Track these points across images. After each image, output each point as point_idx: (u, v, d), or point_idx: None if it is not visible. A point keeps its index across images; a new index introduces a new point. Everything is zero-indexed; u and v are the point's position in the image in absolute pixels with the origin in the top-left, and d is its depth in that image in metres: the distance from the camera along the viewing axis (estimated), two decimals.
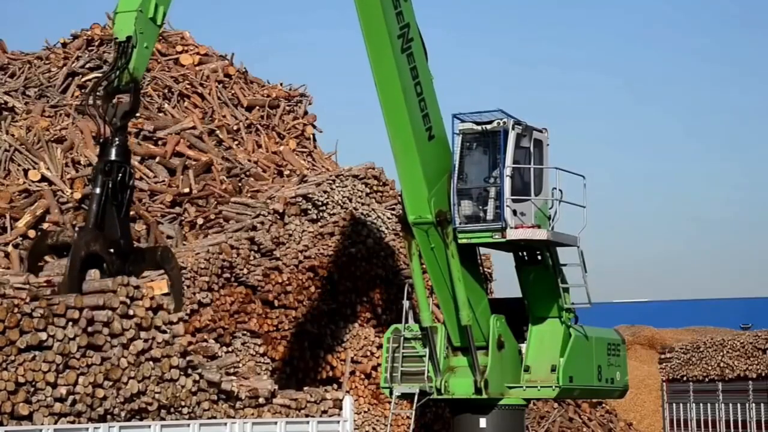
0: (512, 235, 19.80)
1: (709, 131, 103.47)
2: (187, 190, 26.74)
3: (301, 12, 71.70)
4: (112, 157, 16.72)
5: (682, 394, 40.05)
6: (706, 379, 39.29)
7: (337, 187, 26.69)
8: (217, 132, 30.21)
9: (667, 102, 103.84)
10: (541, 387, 20.35)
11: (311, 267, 24.57)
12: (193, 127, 29.27)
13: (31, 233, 23.32)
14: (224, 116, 31.31)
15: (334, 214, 26.21)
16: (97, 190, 16.81)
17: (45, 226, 23.68)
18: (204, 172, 27.71)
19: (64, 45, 32.82)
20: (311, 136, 33.13)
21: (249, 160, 29.22)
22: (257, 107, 32.44)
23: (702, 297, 67.72)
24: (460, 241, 19.87)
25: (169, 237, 25.66)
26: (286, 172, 29.63)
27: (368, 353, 24.34)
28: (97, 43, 32.81)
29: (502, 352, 20.26)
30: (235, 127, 31.18)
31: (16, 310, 18.23)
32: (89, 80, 30.39)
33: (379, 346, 23.81)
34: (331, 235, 25.56)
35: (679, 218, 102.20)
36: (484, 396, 19.83)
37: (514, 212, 19.74)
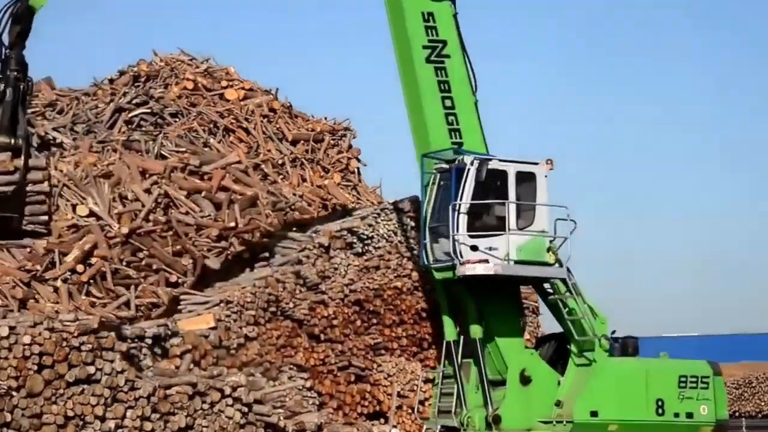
0: (460, 271, 19.90)
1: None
2: (232, 224, 26.83)
3: (343, 44, 72.17)
4: (14, 66, 18.70)
5: (734, 430, 39.54)
6: (759, 415, 38.80)
7: (382, 220, 26.66)
8: (263, 166, 30.33)
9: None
10: (556, 422, 20.12)
11: (357, 300, 24.57)
12: (239, 162, 29.40)
13: (80, 268, 23.50)
14: (269, 150, 31.45)
15: (379, 247, 26.17)
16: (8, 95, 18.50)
17: (93, 260, 23.84)
18: (249, 206, 27.79)
19: (111, 81, 33.16)
20: (356, 169, 33.20)
21: (294, 194, 29.29)
22: (302, 141, 32.56)
23: (754, 332, 66.98)
24: (437, 278, 20.01)
25: (215, 271, 25.74)
26: (331, 206, 29.68)
27: (414, 387, 24.24)
28: (143, 79, 33.12)
29: (527, 387, 20.06)
30: (280, 161, 31.30)
31: (64, 343, 18.37)
32: (136, 116, 30.70)
33: (426, 381, 23.79)
34: (377, 268, 25.54)
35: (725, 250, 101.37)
36: (494, 431, 19.72)
37: (474, 248, 19.65)
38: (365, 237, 26.31)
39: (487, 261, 19.57)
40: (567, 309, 20.45)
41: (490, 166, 19.77)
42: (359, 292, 24.70)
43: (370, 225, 26.52)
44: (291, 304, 23.63)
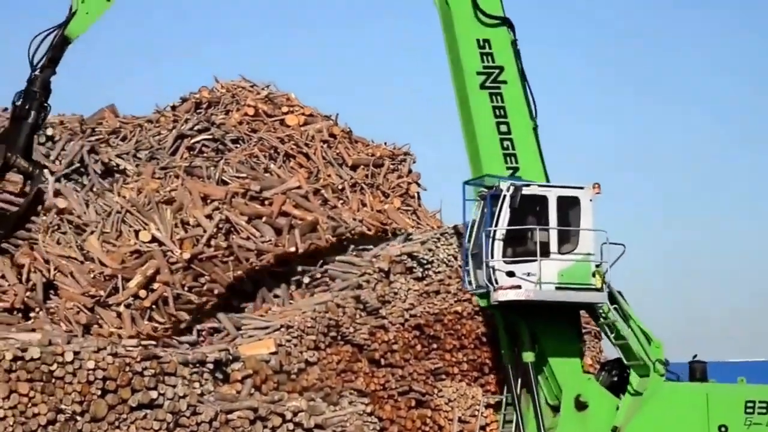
0: (494, 297, 19.80)
1: None
2: (293, 249, 26.96)
3: (402, 69, 72.36)
4: (38, 88, 19.56)
5: None
6: None
7: (442, 244, 26.64)
8: (323, 191, 30.44)
9: None
10: None
11: (417, 325, 24.54)
12: (299, 187, 29.54)
13: (143, 293, 23.71)
14: (329, 175, 31.56)
15: (439, 271, 26.14)
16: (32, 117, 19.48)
17: (155, 286, 24.05)
18: (310, 231, 27.90)
19: (174, 108, 33.50)
20: (416, 194, 33.20)
21: (354, 219, 29.36)
22: (362, 166, 32.65)
23: None
24: (480, 304, 19.96)
25: (275, 296, 25.87)
26: (391, 231, 29.70)
27: (476, 412, 24.13)
28: (205, 106, 33.43)
29: (583, 413, 19.86)
30: (340, 187, 31.40)
31: (127, 368, 18.53)
32: (197, 142, 30.98)
33: (487, 406, 23.68)
34: (437, 293, 25.50)
35: None
36: None
37: (511, 273, 19.47)
38: (425, 261, 26.29)
39: (519, 287, 19.42)
40: (614, 333, 20.24)
41: (526, 192, 19.71)
42: (419, 316, 24.67)
43: (430, 249, 26.51)
44: (351, 329, 23.66)
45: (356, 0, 75.18)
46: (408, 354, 24.16)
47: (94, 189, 27.03)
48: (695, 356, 21.44)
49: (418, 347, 24.46)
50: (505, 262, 19.51)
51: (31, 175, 19.69)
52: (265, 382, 21.52)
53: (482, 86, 20.26)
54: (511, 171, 20.31)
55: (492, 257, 19.56)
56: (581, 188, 20.20)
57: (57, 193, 26.03)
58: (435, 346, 24.86)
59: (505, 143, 20.22)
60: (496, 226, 19.64)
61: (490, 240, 19.66)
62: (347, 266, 26.32)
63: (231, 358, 21.38)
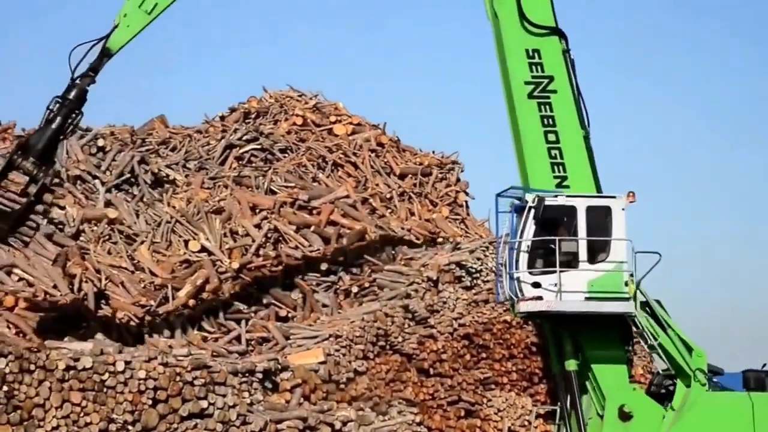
0: (517, 308, 19.81)
1: None
2: (341, 258, 26.99)
3: (451, 77, 72.34)
4: (73, 96, 20.12)
5: None
6: None
7: (490, 253, 26.57)
8: (371, 200, 30.47)
9: None
10: None
11: (466, 334, 24.47)
12: (347, 196, 29.60)
13: (192, 303, 23.84)
14: (377, 185, 31.58)
15: (488, 280, 26.06)
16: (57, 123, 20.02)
17: (205, 295, 24.18)
18: (358, 240, 27.93)
19: (222, 118, 33.70)
20: (464, 203, 33.14)
21: (402, 228, 29.36)
22: (410, 175, 32.64)
23: None
24: (514, 314, 19.97)
25: (324, 305, 25.90)
26: (440, 240, 29.66)
27: (525, 423, 24.00)
28: (253, 116, 33.60)
29: (627, 424, 19.66)
30: (388, 196, 31.41)
31: (178, 378, 18.63)
32: (246, 152, 31.13)
33: (537, 416, 23.54)
34: (486, 302, 25.43)
35: None
36: None
37: (536, 285, 19.33)
38: (474, 270, 26.23)
39: (541, 298, 19.33)
40: (647, 343, 20.03)
41: (552, 203, 19.60)
42: (468, 326, 24.60)
43: (478, 258, 26.45)
44: (400, 339, 23.64)
45: (407, 8, 75.09)
46: (457, 363, 24.10)
47: (144, 199, 27.23)
48: (764, 365, 21.04)
49: (467, 357, 24.39)
50: (531, 273, 19.43)
51: (35, 177, 19.93)
52: (314, 392, 21.55)
53: (530, 96, 20.22)
54: (558, 180, 20.20)
55: (517, 269, 19.51)
56: (613, 197, 20.08)
57: (108, 204, 26.26)
58: (484, 355, 24.79)
59: (553, 152, 20.13)
60: (520, 237, 19.61)
61: (515, 252, 19.63)
62: (396, 275, 26.31)
63: (280, 367, 21.43)
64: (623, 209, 19.86)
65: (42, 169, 19.94)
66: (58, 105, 20.15)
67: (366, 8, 75.96)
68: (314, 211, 28.66)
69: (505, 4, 20.51)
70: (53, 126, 20.15)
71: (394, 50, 74.49)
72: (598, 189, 20.55)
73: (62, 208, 25.34)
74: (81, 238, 24.78)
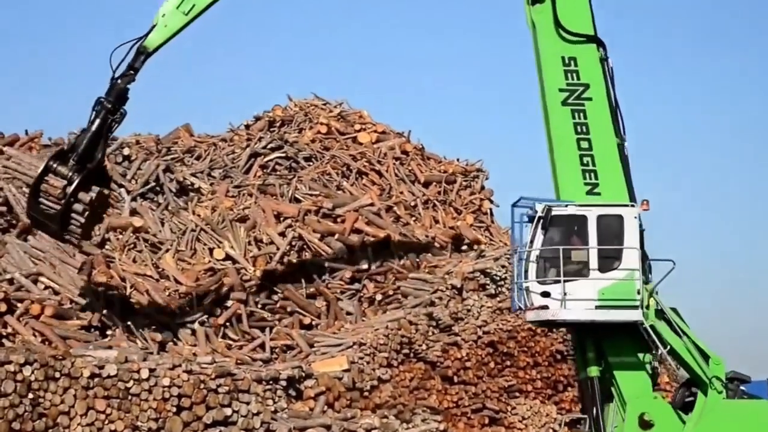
0: (525, 317, 20.26)
1: None
2: (365, 266, 27.02)
3: (474, 88, 72.29)
4: (112, 97, 20.75)
5: None
6: None
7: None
8: (395, 208, 30.49)
9: None
10: None
11: (490, 342, 24.44)
12: (371, 204, 29.62)
13: (216, 310, 23.91)
14: (401, 192, 31.60)
15: (512, 288, 26.01)
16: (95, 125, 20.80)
17: (229, 303, 24.25)
18: (382, 248, 27.95)
19: (247, 127, 33.82)
20: (488, 210, 33.10)
21: (426, 236, 29.35)
22: (434, 183, 32.63)
23: None
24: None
25: (348, 313, 25.93)
26: (464, 247, 29.64)
27: (550, 430, 23.94)
28: (278, 124, 33.70)
29: None
30: (412, 203, 31.42)
31: (202, 386, 18.69)
32: (271, 161, 31.22)
33: (561, 424, 23.46)
34: (510, 310, 25.35)
35: None
36: None
37: (546, 294, 19.39)
38: (498, 278, 26.19)
39: (546, 307, 19.39)
40: (659, 351, 19.99)
41: (561, 212, 19.72)
42: (493, 333, 24.57)
43: (503, 266, 26.41)
44: (424, 346, 23.63)
45: (435, 18, 75.04)
46: (481, 371, 24.07)
47: (169, 207, 27.35)
48: None
49: (492, 364, 24.35)
50: (540, 282, 19.51)
51: (71, 180, 20.61)
52: (338, 400, 21.57)
53: (564, 103, 20.25)
54: (589, 187, 20.20)
55: (526, 278, 19.61)
56: (626, 206, 20.12)
57: (133, 212, 26.39)
58: (508, 363, 24.74)
59: (585, 159, 20.13)
60: (530, 247, 19.71)
61: (524, 261, 19.74)
62: (420, 283, 26.30)
63: (304, 375, 21.46)
64: (635, 217, 19.85)
65: (78, 170, 20.64)
66: (99, 106, 20.85)
67: (392, 17, 76.06)
68: (338, 219, 28.70)
69: (543, 13, 20.58)
70: (93, 127, 20.83)
71: (421, 58, 74.52)
72: (632, 198, 20.52)
73: None
74: (106, 247, 24.91)
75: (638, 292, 19.57)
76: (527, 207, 20.37)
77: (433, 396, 23.07)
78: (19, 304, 21.69)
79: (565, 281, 19.42)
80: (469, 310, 25.10)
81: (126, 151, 28.60)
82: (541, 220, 19.68)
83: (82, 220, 21.05)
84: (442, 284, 25.77)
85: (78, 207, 20.88)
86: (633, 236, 19.81)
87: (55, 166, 20.70)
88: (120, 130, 29.67)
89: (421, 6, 73.78)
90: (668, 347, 19.66)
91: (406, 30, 75.90)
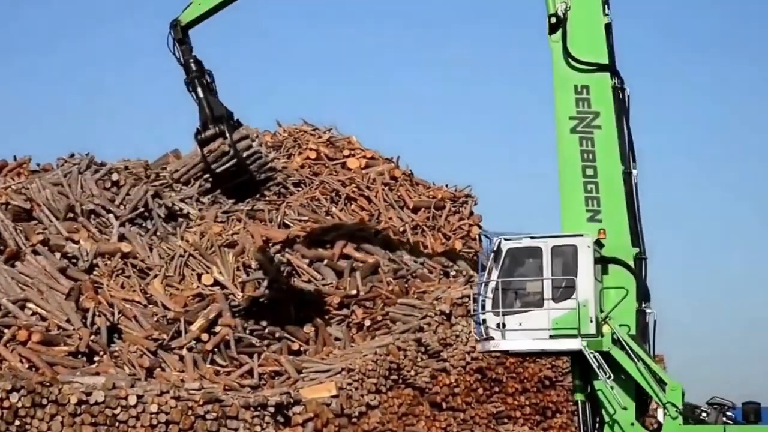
0: (477, 348, 20.74)
1: None
2: (354, 292, 27.01)
3: (460, 114, 72.46)
4: (193, 69, 23.14)
5: None
6: None
7: None
8: (384, 234, 30.50)
9: None
10: None
11: (479, 368, 24.40)
12: (360, 230, 29.63)
13: (205, 336, 23.85)
14: (390, 218, 31.63)
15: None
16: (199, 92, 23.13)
17: (217, 329, 24.19)
18: (371, 273, 27.95)
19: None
20: (477, 236, 33.14)
21: (415, 261, 29.36)
22: (423, 208, 32.69)
23: None
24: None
25: (337, 339, 25.88)
26: (452, 273, 29.64)
27: None
28: (267, 150, 33.71)
29: None
30: (401, 229, 31.44)
31: (190, 412, 18.62)
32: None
33: None
34: None
35: None
36: None
37: (502, 325, 19.73)
38: None
39: (492, 338, 19.87)
40: (600, 380, 20.19)
41: (517, 245, 20.18)
42: (481, 359, 24.53)
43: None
44: (412, 372, 23.59)
45: (424, 47, 75.28)
46: (470, 397, 24.02)
47: (158, 233, 27.33)
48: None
49: (480, 390, 24.31)
50: (495, 314, 19.90)
51: (222, 133, 22.81)
52: (326, 426, 21.51)
53: (573, 130, 20.58)
54: (590, 214, 20.49)
55: (483, 309, 20.01)
56: (580, 236, 20.46)
57: (121, 238, 26.36)
58: (497, 389, 24.70)
59: (589, 186, 20.48)
60: (486, 278, 20.14)
61: (481, 292, 20.18)
62: (408, 309, 26.28)
63: (292, 401, 21.41)
64: (588, 247, 20.18)
65: (220, 125, 22.86)
66: (190, 85, 23.06)
67: (384, 45, 76.32)
68: (327, 245, 28.70)
69: (558, 42, 20.89)
70: (201, 94, 23.00)
71: (410, 84, 74.69)
72: (634, 227, 20.70)
73: (76, 242, 25.47)
74: (94, 272, 24.88)
75: (591, 320, 19.84)
76: (489, 240, 20.77)
77: (422, 422, 23.01)
78: (6, 330, 21.64)
79: (520, 312, 19.84)
80: (457, 336, 25.08)
81: (115, 177, 28.60)
82: (498, 254, 20.09)
83: (260, 157, 23.35)
84: (430, 310, 25.76)
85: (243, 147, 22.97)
86: (587, 266, 20.10)
87: (204, 137, 22.87)
88: (108, 156, 29.94)
89: (418, 35, 74.04)
90: (605, 377, 19.93)
91: (397, 55, 76.13)
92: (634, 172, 20.83)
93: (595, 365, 19.72)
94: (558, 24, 20.78)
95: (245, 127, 23.93)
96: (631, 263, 20.61)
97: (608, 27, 21.08)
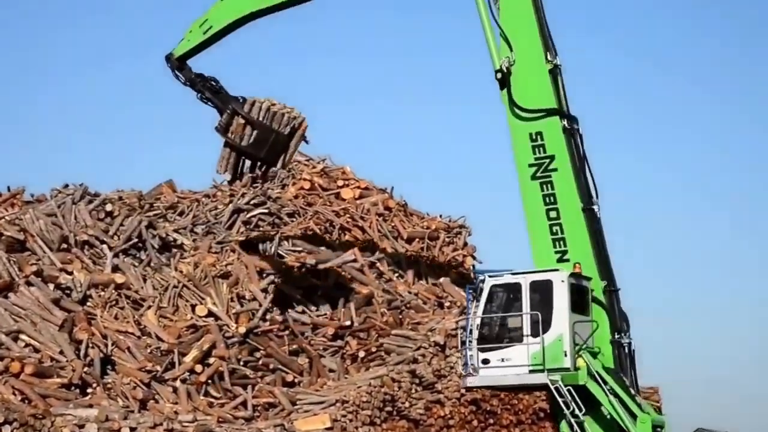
0: (460, 384, 21.59)
1: None
2: (348, 323, 26.95)
3: (457, 144, 72.55)
4: (198, 83, 25.12)
5: None
6: None
7: None
8: (378, 264, 30.47)
9: None
10: None
11: (473, 400, 24.28)
12: (354, 260, 29.61)
13: (199, 368, 23.77)
14: (384, 248, 31.60)
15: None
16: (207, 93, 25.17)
17: (211, 360, 24.12)
18: (365, 304, 27.91)
19: (230, 183, 33.76)
20: (471, 267, 33.10)
21: (409, 292, 29.33)
22: (417, 239, 32.66)
23: None
24: None
25: (331, 370, 25.81)
26: (447, 304, 29.61)
27: None
28: (260, 180, 33.67)
29: None
30: (395, 260, 31.40)
31: None
32: (254, 216, 31.21)
33: None
34: None
35: None
36: None
37: (485, 361, 20.22)
38: None
39: (471, 374, 20.27)
40: (581, 410, 20.42)
41: (500, 282, 20.56)
42: (476, 391, 24.42)
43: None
44: (407, 404, 23.48)
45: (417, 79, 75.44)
46: (464, 429, 23.88)
47: (152, 264, 27.28)
48: None
49: (475, 422, 24.17)
50: (480, 350, 20.27)
51: (234, 111, 24.42)
52: None
53: (533, 177, 21.23)
54: (559, 255, 21.03)
55: (469, 345, 20.37)
56: (555, 270, 20.77)
57: (115, 269, 26.31)
58: (491, 421, 24.56)
59: (554, 228, 21.24)
60: (470, 316, 20.49)
61: (466, 329, 20.58)
62: (403, 340, 26.21)
63: None
64: (563, 281, 20.48)
65: (230, 107, 24.54)
66: (201, 95, 25.04)
67: (377, 73, 76.49)
68: (321, 275, 28.65)
69: (507, 96, 21.50)
70: (207, 95, 24.88)
71: (406, 113, 74.84)
72: (601, 260, 21.00)
73: (70, 273, 25.40)
74: (88, 303, 24.81)
75: (566, 354, 20.09)
76: (475, 277, 21.21)
77: None
78: None
79: (501, 348, 20.13)
80: (452, 368, 24.96)
81: (108, 207, 28.57)
82: (482, 290, 20.42)
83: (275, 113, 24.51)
84: (425, 341, 25.68)
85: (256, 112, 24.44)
86: (561, 300, 20.37)
87: (221, 124, 24.60)
88: (103, 186, 29.97)
89: (409, 71, 74.26)
90: (568, 410, 20.15)
91: (389, 86, 76.37)
92: (595, 207, 21.28)
93: (560, 400, 20.00)
94: (504, 79, 21.42)
95: (254, 98, 24.91)
96: (601, 296, 20.96)
97: (555, 71, 21.56)
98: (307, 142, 25.58)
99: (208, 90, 24.88)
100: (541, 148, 21.17)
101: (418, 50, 73.42)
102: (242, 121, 24.41)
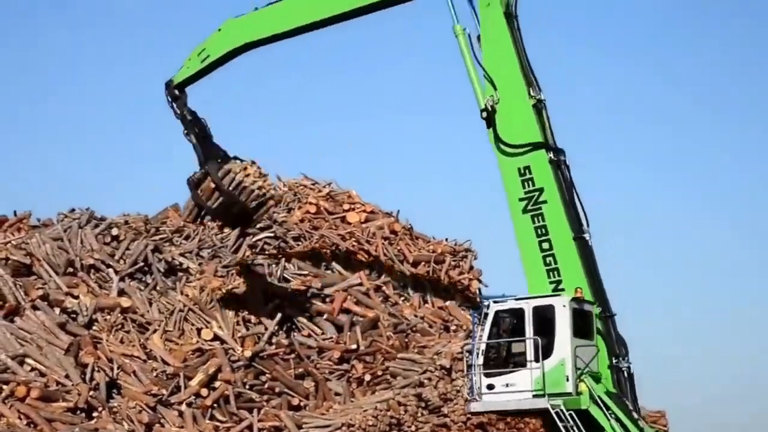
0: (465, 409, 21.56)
1: None
2: (354, 346, 26.93)
3: (458, 168, 72.53)
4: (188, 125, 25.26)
5: None
6: None
7: None
8: (384, 288, 30.45)
9: None
10: None
11: (479, 424, 24.23)
12: (360, 284, 29.60)
13: (204, 392, 23.74)
14: (390, 272, 31.57)
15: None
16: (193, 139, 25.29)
17: (217, 384, 24.09)
18: (371, 328, 27.88)
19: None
20: (477, 290, 33.05)
21: (415, 316, 29.29)
22: (423, 263, 32.63)
23: None
24: None
25: (337, 394, 25.77)
26: (453, 327, 29.57)
27: None
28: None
29: None
30: (401, 283, 31.37)
31: None
32: (259, 240, 31.22)
33: None
34: None
35: None
36: None
37: (491, 386, 20.33)
38: None
39: (476, 399, 20.39)
40: None
41: (504, 307, 20.69)
42: (482, 415, 24.36)
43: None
44: (413, 428, 23.46)
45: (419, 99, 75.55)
46: None
47: (158, 288, 27.29)
48: None
49: None
50: (486, 375, 20.39)
51: (207, 172, 24.85)
52: None
53: (524, 210, 21.58)
54: (554, 285, 21.23)
55: (474, 371, 20.48)
56: (557, 296, 20.90)
57: (121, 293, 26.32)
58: None
59: (548, 259, 21.52)
60: (475, 341, 20.62)
61: (473, 355, 20.70)
62: (409, 363, 26.18)
63: None
64: (564, 306, 20.58)
65: (205, 167, 24.82)
66: (187, 133, 25.01)
67: (384, 98, 76.63)
68: (327, 299, 28.65)
69: (493, 134, 21.88)
70: (193, 141, 24.95)
71: (408, 138, 74.91)
72: (595, 287, 21.16)
73: (75, 297, 25.43)
74: (94, 327, 24.82)
75: (567, 379, 20.16)
76: (480, 303, 21.29)
77: None
78: (4, 387, 21.55)
79: (506, 373, 20.21)
80: (458, 391, 24.94)
81: (114, 231, 28.62)
82: (487, 316, 20.53)
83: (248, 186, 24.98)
84: (431, 365, 25.66)
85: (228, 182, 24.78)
86: (563, 324, 20.46)
87: (193, 178, 25.03)
88: (109, 211, 30.02)
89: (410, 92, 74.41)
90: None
91: (395, 110, 76.53)
92: (587, 235, 21.50)
93: (560, 425, 20.01)
94: (489, 117, 21.74)
95: (234, 162, 25.35)
96: (596, 323, 21.10)
97: (539, 105, 21.87)
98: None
99: (195, 135, 25.18)
100: (530, 182, 21.61)
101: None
102: (212, 185, 25.00)
